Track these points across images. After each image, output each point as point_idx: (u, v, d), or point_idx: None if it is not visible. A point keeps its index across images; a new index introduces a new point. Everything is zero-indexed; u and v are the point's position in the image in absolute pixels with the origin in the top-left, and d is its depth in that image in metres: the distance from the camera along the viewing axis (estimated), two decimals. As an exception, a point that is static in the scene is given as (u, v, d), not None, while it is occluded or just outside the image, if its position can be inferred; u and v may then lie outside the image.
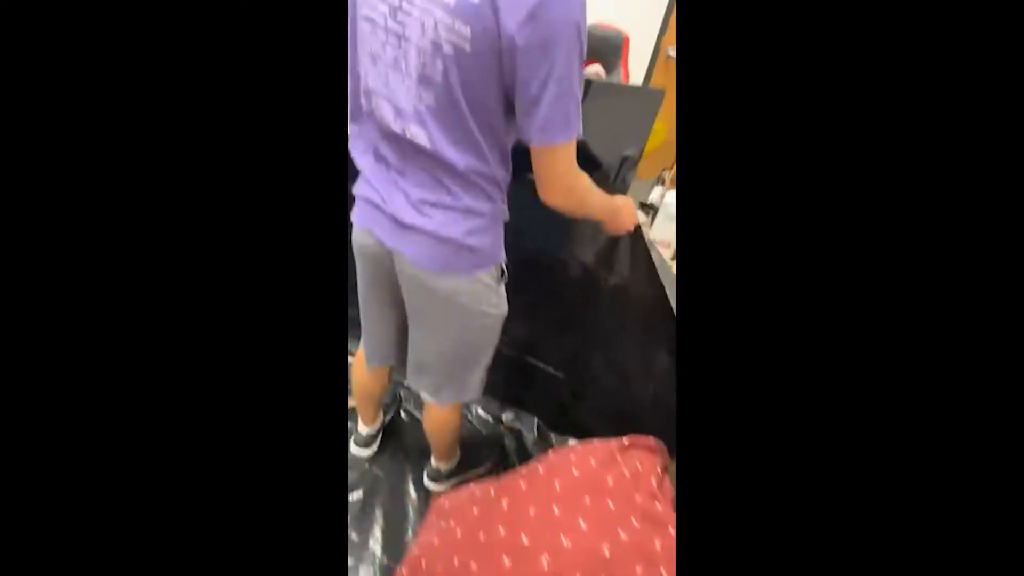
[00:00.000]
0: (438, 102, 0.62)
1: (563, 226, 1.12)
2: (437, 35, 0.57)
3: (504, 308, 0.83)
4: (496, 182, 0.70)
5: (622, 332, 1.12)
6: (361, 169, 0.76)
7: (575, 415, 1.29)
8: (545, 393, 1.31)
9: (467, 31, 0.55)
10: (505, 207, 0.75)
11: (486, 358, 0.90)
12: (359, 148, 0.76)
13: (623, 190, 1.18)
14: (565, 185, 0.68)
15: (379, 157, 0.73)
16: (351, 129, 0.75)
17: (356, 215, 0.80)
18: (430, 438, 1.07)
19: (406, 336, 0.91)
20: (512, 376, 1.29)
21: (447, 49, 0.57)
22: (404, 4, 0.59)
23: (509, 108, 0.63)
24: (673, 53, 2.08)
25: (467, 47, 0.56)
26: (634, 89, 1.45)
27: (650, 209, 1.49)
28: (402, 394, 1.37)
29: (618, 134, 1.08)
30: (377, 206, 0.75)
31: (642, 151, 1.10)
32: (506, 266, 0.79)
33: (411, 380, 0.95)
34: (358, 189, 0.78)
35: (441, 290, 0.76)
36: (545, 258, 1.15)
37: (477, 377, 0.92)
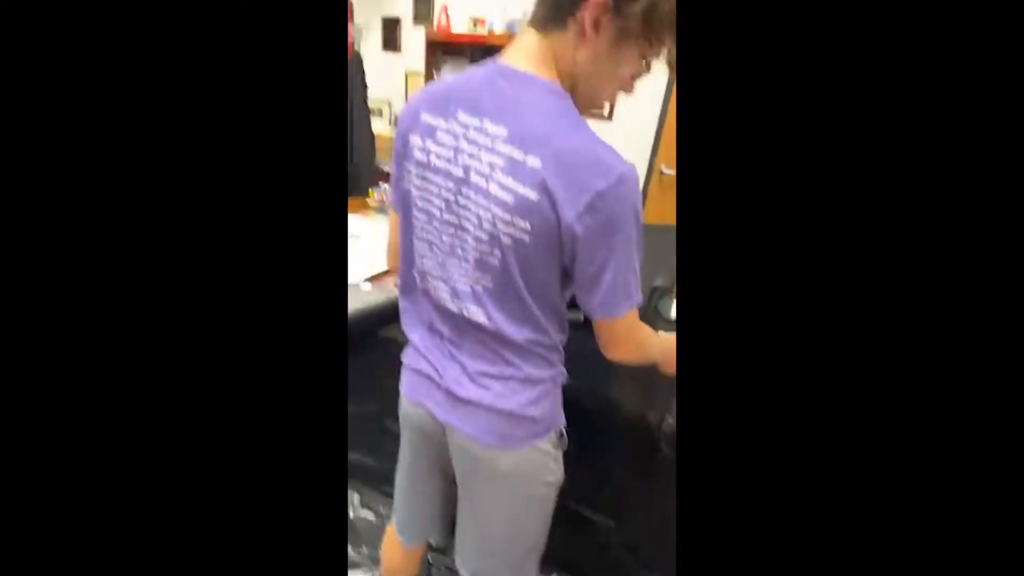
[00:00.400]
0: (496, 284, 0.61)
1: (609, 364, 1.09)
2: (495, 228, 0.56)
3: (561, 475, 0.76)
4: (555, 348, 0.68)
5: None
6: (411, 340, 0.74)
7: (632, 574, 1.13)
8: (596, 547, 1.16)
9: (526, 224, 0.55)
10: (563, 368, 0.71)
11: (544, 536, 0.81)
12: (410, 321, 0.73)
13: (655, 319, 1.16)
14: (628, 344, 0.66)
15: (433, 330, 0.71)
16: (401, 303, 0.73)
17: (405, 387, 0.76)
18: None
19: (451, 509, 0.83)
20: (557, 529, 1.15)
21: (506, 240, 0.57)
22: (459, 198, 0.59)
23: (566, 277, 0.61)
24: (667, 171, 2.21)
25: (526, 238, 0.56)
26: (663, 227, 1.50)
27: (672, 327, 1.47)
28: (430, 558, 1.21)
29: (648, 267, 1.08)
30: (429, 377, 0.71)
31: (674, 281, 1.10)
32: (565, 429, 0.73)
33: (459, 565, 0.84)
34: (407, 359, 0.75)
35: (499, 465, 0.70)
36: (592, 398, 1.08)
37: (535, 561, 0.82)
